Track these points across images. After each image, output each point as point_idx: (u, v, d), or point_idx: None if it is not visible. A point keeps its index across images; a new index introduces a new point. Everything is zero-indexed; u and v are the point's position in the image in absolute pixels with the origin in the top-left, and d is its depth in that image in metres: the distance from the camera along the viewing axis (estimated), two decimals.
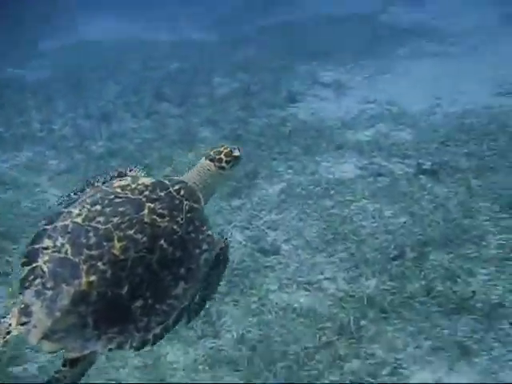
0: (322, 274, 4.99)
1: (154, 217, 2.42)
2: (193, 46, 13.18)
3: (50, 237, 2.39)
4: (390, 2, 15.29)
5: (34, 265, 2.32)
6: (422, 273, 4.75)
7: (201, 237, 2.51)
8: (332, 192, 6.10)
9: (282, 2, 16.52)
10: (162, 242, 2.39)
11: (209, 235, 2.53)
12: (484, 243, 5.05)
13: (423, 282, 4.64)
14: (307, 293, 4.80)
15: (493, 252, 4.93)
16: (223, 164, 2.73)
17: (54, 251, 2.33)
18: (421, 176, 6.22)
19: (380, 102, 8.58)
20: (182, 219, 2.48)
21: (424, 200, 5.80)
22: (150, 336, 2.34)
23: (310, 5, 16.09)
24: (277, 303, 4.66)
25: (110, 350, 2.27)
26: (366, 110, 8.32)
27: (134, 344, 2.31)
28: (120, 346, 2.29)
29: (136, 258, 2.32)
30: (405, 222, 5.46)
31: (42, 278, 2.29)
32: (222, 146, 2.77)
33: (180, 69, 11.38)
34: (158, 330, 2.36)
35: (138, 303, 2.31)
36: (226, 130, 8.02)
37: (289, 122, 8.09)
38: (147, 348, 2.33)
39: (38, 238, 2.41)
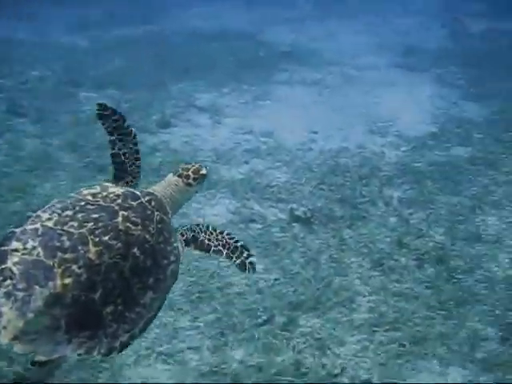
0: (184, 342, 4.51)
1: (128, 224, 2.48)
2: (58, 51, 11.95)
3: (18, 239, 2.35)
4: (271, 20, 15.10)
5: (2, 266, 2.28)
6: (291, 343, 4.45)
7: (169, 248, 2.60)
8: None
9: (155, 11, 15.63)
10: (135, 249, 2.45)
11: (175, 247, 2.65)
12: (354, 306, 4.88)
13: (292, 354, 4.34)
14: (167, 366, 4.29)
15: (363, 316, 4.76)
16: (190, 181, 2.91)
17: (24, 253, 2.30)
18: (294, 224, 5.97)
19: (256, 133, 8.26)
20: (153, 229, 2.55)
21: (296, 252, 5.53)
22: (117, 344, 2.37)
23: (183, 17, 15.40)
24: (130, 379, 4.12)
25: (79, 355, 2.30)
26: (242, 142, 7.96)
27: (102, 351, 2.33)
28: (88, 352, 2.30)
29: (110, 263, 2.36)
30: (276, 280, 5.15)
31: (11, 279, 2.25)
32: (190, 164, 2.97)
33: (40, 77, 10.23)
34: (125, 338, 2.40)
35: (109, 309, 2.33)
36: (90, 156, 7.23)
37: (159, 151, 7.51)
38: (113, 355, 2.38)
39: (6, 240, 2.37)
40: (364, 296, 4.98)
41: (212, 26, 14.34)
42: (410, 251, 5.53)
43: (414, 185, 6.83)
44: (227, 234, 3.00)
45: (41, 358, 2.26)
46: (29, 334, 2.20)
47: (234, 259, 2.99)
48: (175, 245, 2.65)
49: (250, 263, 3.00)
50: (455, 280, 5.18)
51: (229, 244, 2.98)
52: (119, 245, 2.39)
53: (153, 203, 2.64)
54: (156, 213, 2.61)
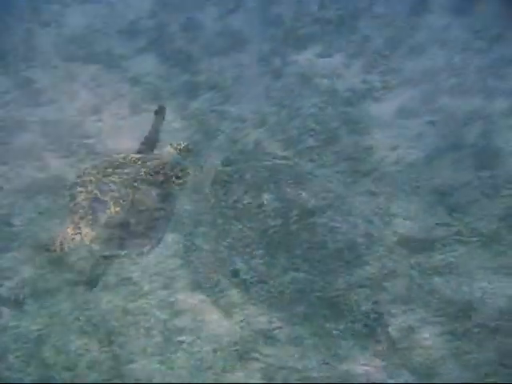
0: None
1: (149, 176, 4.44)
2: None
3: (81, 185, 4.29)
4: None
5: (75, 202, 4.17)
6: None
7: (172, 192, 4.52)
8: None
9: None
10: (154, 191, 4.36)
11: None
12: None
13: None
14: None
15: None
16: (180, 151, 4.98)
17: (87, 194, 4.20)
18: None
19: None
20: (163, 179, 4.50)
21: None
22: (150, 246, 4.17)
23: None
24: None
25: (127, 254, 4.15)
26: None
27: (145, 249, 4.15)
28: (136, 250, 4.14)
29: (139, 199, 4.22)
30: None
31: (83, 208, 4.13)
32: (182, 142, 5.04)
33: None
34: (154, 242, 4.20)
35: (141, 226, 4.12)
36: None
37: None
38: (150, 253, 4.24)
39: (72, 187, 4.30)
40: None
41: None
42: None
43: None
44: None
45: (107, 253, 4.12)
46: (99, 240, 4.05)
47: None
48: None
49: None
50: None
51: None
52: (144, 187, 4.29)
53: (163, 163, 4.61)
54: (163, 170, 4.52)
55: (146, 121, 5.47)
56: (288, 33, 7.98)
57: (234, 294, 4.56)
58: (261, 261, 4.65)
